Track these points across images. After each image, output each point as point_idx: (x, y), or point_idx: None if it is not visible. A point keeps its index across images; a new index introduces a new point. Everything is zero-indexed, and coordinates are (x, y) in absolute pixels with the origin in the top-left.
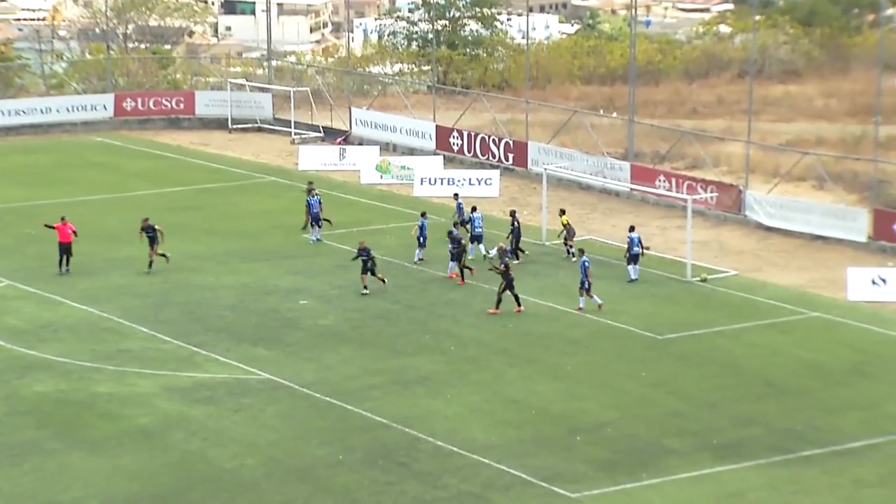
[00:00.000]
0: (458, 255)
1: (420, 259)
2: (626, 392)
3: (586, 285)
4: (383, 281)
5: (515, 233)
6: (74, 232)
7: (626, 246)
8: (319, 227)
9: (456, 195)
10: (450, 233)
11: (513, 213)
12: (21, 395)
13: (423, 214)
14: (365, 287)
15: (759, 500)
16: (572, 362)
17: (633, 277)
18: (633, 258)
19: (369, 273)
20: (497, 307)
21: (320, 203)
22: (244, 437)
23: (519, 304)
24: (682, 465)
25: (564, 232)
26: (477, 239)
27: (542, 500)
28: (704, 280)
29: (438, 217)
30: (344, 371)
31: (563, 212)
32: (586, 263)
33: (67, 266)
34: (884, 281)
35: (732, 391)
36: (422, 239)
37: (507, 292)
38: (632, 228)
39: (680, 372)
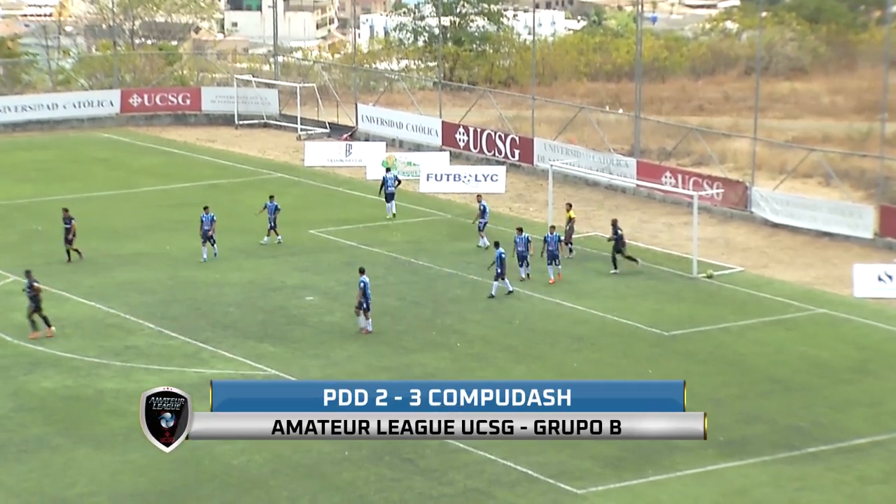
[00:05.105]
0: None
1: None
2: None
3: (365, 306)
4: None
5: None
6: None
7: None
8: (212, 244)
9: (271, 197)
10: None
11: (614, 223)
12: (28, 391)
13: (271, 197)
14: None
15: (763, 496)
16: (578, 359)
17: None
18: (521, 258)
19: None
20: (34, 329)
21: (213, 221)
22: None
23: (49, 325)
24: (688, 462)
25: (568, 227)
26: (390, 197)
27: (548, 496)
28: (710, 276)
29: (445, 213)
30: (350, 367)
31: (569, 206)
32: (365, 285)
33: None
34: (890, 277)
35: (738, 388)
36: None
37: (37, 314)
38: (520, 230)
39: (685, 369)
